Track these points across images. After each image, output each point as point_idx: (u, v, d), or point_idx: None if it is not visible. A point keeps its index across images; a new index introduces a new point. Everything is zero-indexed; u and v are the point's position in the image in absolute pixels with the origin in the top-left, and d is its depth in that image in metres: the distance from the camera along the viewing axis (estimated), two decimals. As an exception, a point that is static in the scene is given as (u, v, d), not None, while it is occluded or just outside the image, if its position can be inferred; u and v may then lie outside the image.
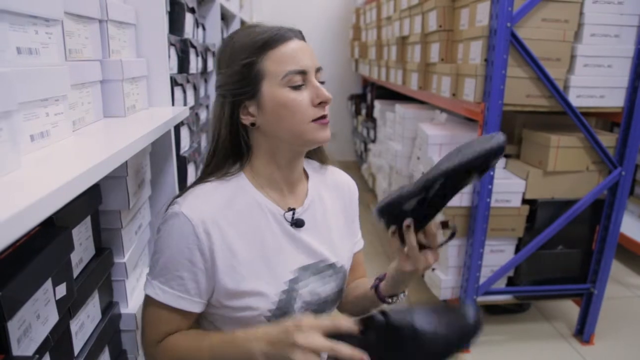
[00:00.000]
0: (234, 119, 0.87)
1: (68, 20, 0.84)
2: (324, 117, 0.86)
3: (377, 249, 3.08)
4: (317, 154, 1.02)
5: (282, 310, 0.87)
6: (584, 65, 1.82)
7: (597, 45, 1.81)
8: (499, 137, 0.78)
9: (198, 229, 0.82)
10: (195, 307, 0.86)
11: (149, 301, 0.87)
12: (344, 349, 0.70)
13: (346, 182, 1.06)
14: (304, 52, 0.85)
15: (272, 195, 0.91)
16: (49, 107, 0.71)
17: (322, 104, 0.85)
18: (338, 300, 1.00)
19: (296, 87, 0.84)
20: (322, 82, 0.88)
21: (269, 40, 0.83)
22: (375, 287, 0.97)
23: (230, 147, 0.89)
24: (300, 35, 0.88)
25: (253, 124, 0.87)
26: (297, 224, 0.91)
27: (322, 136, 0.86)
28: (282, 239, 0.90)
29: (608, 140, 1.91)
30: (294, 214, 0.92)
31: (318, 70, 0.88)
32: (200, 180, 0.91)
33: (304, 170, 1.00)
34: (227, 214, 0.86)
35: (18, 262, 0.63)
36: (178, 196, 0.89)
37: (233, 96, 0.86)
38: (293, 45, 0.85)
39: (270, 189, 0.91)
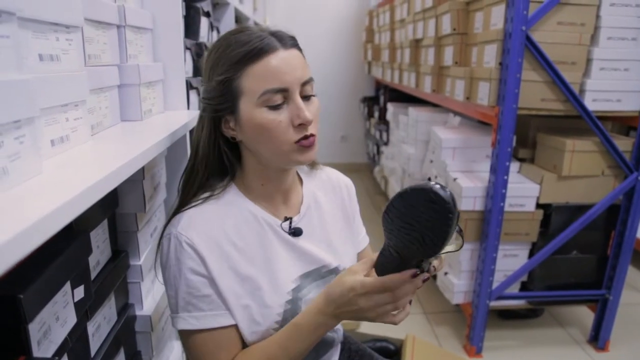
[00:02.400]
0: (214, 136, 0.84)
1: (88, 26, 0.85)
2: (306, 137, 0.80)
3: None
4: None
5: (289, 321, 0.84)
6: (600, 69, 1.80)
7: (614, 49, 1.79)
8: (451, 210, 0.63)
9: (199, 247, 0.80)
10: (233, 318, 0.83)
11: (188, 336, 0.82)
12: (395, 278, 0.70)
13: (342, 181, 1.05)
14: (288, 66, 0.77)
15: (266, 206, 0.89)
16: (69, 112, 0.73)
17: (302, 125, 0.79)
18: None
19: (275, 107, 0.78)
20: (311, 96, 0.82)
21: (248, 54, 0.76)
22: None
23: (212, 164, 0.86)
24: (289, 43, 0.80)
25: (234, 138, 0.84)
26: (295, 233, 0.90)
27: (303, 158, 0.82)
28: (281, 249, 0.88)
29: (624, 144, 1.89)
30: (290, 223, 0.90)
31: (306, 83, 0.80)
32: (186, 202, 0.86)
33: (298, 175, 0.98)
34: (224, 230, 0.83)
35: (38, 266, 0.64)
36: (171, 218, 0.86)
37: (212, 111, 0.82)
38: (275, 58, 0.77)
39: (264, 200, 0.89)
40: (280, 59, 0.77)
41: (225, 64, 0.78)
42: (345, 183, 1.05)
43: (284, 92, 0.78)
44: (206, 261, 0.80)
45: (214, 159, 0.86)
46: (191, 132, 1.40)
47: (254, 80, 0.77)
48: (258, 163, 0.86)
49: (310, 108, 0.81)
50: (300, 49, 0.83)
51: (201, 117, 0.86)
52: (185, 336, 0.83)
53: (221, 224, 0.84)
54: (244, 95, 0.78)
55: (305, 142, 0.80)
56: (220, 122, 0.83)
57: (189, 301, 0.81)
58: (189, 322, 0.81)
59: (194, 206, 0.84)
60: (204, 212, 0.84)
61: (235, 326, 0.83)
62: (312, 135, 0.81)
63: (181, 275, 0.80)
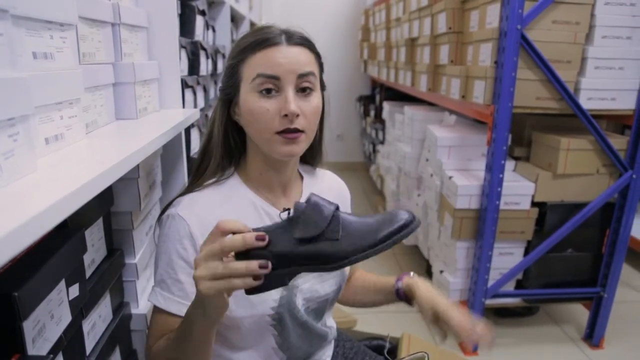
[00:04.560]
0: (224, 119, 0.88)
1: (82, 24, 0.85)
2: (288, 130, 0.80)
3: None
4: (313, 158, 1.01)
5: (285, 308, 0.87)
6: (595, 68, 1.81)
7: (609, 47, 1.80)
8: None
9: (193, 229, 0.82)
10: None
11: (154, 310, 0.86)
12: (239, 264, 0.63)
13: (341, 187, 1.08)
14: (285, 58, 0.80)
15: (266, 196, 0.91)
16: (63, 110, 0.72)
17: (287, 116, 0.79)
18: (336, 299, 1.01)
19: (266, 94, 0.80)
20: (309, 90, 0.82)
21: (253, 43, 0.81)
22: (397, 291, 0.99)
23: (224, 148, 0.89)
24: (297, 41, 0.82)
25: (237, 122, 0.88)
26: None
27: (283, 150, 0.82)
28: None
29: (619, 143, 1.90)
30: (289, 214, 0.92)
31: (303, 76, 0.81)
32: (195, 185, 0.89)
33: (299, 172, 1.00)
34: (223, 215, 0.83)
35: (33, 263, 0.64)
36: (173, 200, 0.89)
37: (223, 95, 0.87)
38: (276, 50, 0.80)
39: (264, 190, 0.91)
40: (279, 51, 0.80)
41: (235, 51, 0.85)
42: (342, 190, 1.08)
43: (276, 79, 0.80)
44: (199, 248, 0.81)
45: (225, 143, 0.89)
46: (187, 130, 1.41)
47: (252, 66, 0.81)
48: (258, 151, 0.88)
49: (303, 104, 0.81)
50: (311, 49, 0.85)
51: (217, 102, 0.90)
52: (153, 310, 0.87)
53: (221, 210, 0.86)
54: (244, 80, 0.83)
55: (287, 135, 0.81)
56: (230, 106, 0.87)
57: (164, 279, 0.84)
58: (157, 298, 0.84)
59: (197, 191, 0.88)
60: (205, 197, 0.87)
61: None
62: (296, 130, 0.81)
63: (166, 253, 0.83)
